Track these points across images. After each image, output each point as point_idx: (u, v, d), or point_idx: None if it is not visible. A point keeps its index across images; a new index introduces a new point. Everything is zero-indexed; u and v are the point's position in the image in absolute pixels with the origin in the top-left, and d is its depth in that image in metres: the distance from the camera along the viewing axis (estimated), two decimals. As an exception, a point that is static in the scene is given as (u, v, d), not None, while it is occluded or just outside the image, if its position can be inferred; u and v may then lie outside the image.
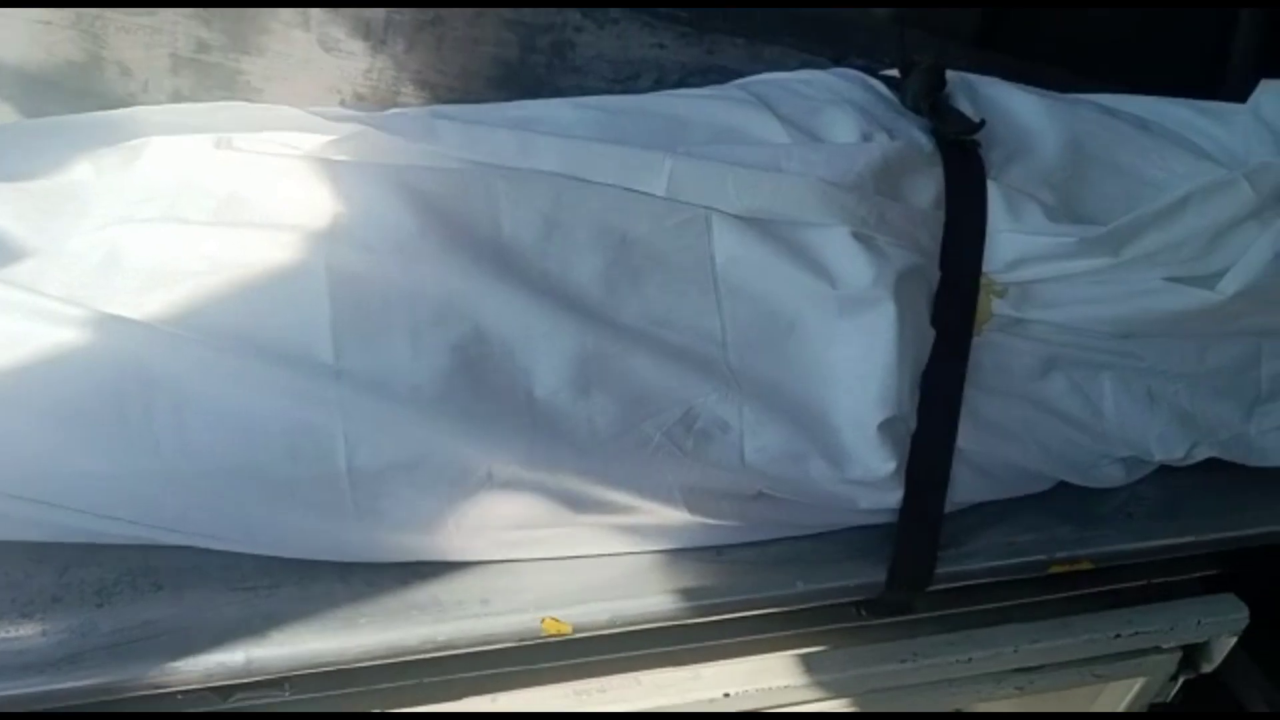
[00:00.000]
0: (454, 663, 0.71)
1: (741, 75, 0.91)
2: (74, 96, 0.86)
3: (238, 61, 0.89)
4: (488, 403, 0.65)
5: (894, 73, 0.85)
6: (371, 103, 0.97)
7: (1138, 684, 0.92)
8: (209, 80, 0.89)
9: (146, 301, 0.63)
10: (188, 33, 0.88)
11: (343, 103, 0.96)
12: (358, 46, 0.92)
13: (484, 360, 0.65)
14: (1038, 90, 0.84)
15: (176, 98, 0.89)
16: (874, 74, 0.85)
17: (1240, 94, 0.87)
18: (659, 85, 0.97)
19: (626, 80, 0.99)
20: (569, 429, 0.66)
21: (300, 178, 0.68)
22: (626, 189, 0.70)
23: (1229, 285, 0.71)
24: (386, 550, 0.68)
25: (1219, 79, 1.18)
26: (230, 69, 0.89)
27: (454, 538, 0.67)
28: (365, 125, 0.73)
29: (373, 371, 0.64)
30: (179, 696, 0.65)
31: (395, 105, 0.93)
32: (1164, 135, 0.81)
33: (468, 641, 0.67)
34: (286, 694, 0.69)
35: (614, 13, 0.95)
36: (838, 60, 0.97)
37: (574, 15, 0.94)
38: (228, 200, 0.67)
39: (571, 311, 0.67)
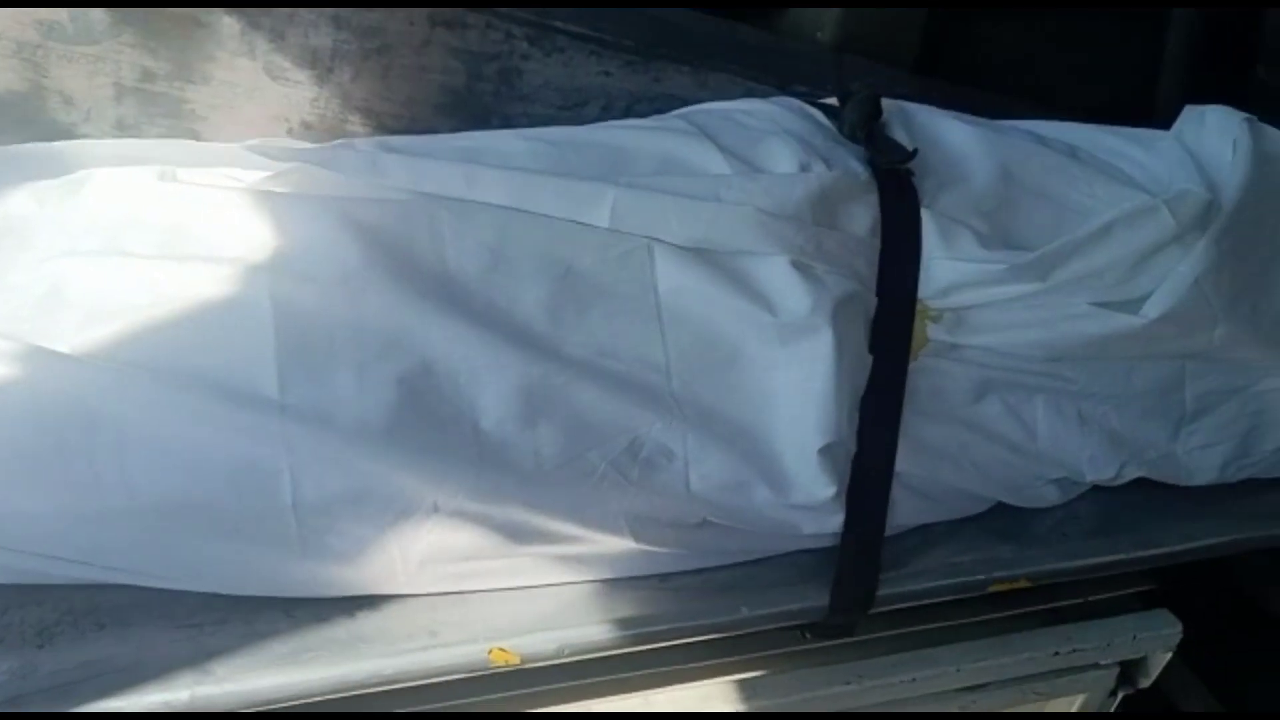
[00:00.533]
0: (403, 696, 0.71)
1: (687, 102, 0.93)
2: (15, 126, 0.85)
3: (182, 90, 0.89)
4: (434, 435, 0.65)
5: (834, 101, 0.87)
6: (318, 131, 0.97)
7: (1078, 700, 0.93)
8: (153, 109, 0.89)
9: (89, 336, 0.63)
10: (132, 61, 0.87)
11: (289, 131, 0.96)
12: (304, 75, 0.92)
13: (430, 393, 0.66)
14: (971, 118, 0.86)
15: (120, 127, 0.88)
16: (814, 102, 0.87)
17: (1169, 119, 0.91)
18: (606, 112, 0.98)
19: (574, 107, 1.00)
20: (515, 460, 0.67)
21: (244, 210, 0.68)
22: (571, 220, 0.71)
23: (1151, 310, 0.74)
24: (333, 585, 0.68)
25: (1149, 104, 1.22)
26: (175, 98, 0.89)
27: (401, 571, 0.67)
28: (308, 160, 0.73)
29: (318, 405, 0.64)
30: (122, 736, 0.64)
31: (342, 134, 0.93)
32: (1092, 163, 0.84)
33: (417, 674, 0.67)
34: (230, 731, 0.68)
35: (560, 40, 0.96)
36: (782, 87, 0.99)
37: (520, 44, 0.95)
38: (171, 233, 0.68)
39: (517, 343, 0.68)
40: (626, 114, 0.97)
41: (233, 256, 0.67)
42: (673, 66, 1.00)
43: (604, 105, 0.99)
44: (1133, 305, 0.75)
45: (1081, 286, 0.75)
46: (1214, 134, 0.84)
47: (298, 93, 0.92)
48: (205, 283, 0.65)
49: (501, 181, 0.71)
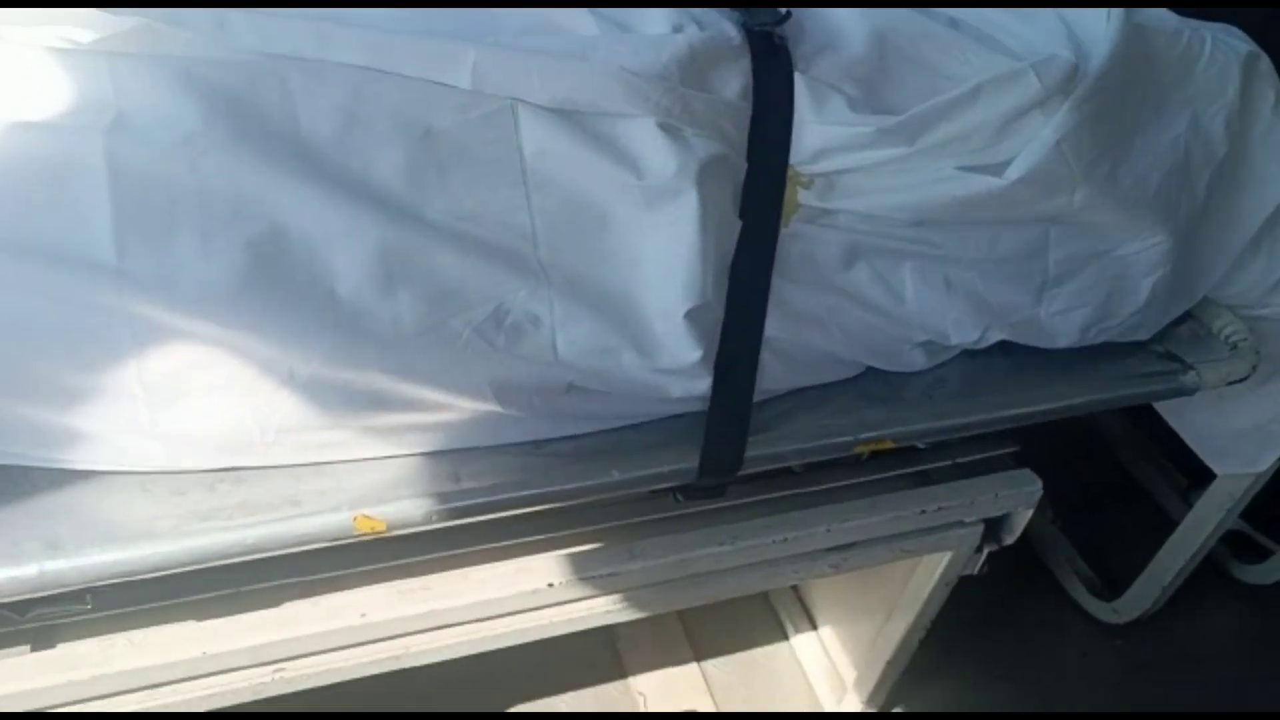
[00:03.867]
0: (270, 567, 0.71)
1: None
2: None
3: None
4: (286, 301, 0.63)
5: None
6: None
7: (945, 558, 0.98)
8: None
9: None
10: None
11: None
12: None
13: (281, 258, 0.63)
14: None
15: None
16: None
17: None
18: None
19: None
20: (373, 326, 0.65)
21: (78, 72, 0.63)
22: (430, 81, 0.68)
23: (1013, 171, 0.74)
24: (187, 457, 0.66)
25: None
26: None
27: (259, 441, 0.66)
28: (150, 19, 0.68)
29: (159, 272, 0.61)
30: (-30, 616, 0.63)
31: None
32: (970, 32, 0.84)
33: (278, 543, 0.66)
34: (89, 607, 0.67)
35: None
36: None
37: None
38: (-1, 95, 0.63)
39: (374, 206, 0.65)
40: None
41: (64, 120, 0.62)
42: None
43: None
44: (998, 169, 0.75)
45: (948, 150, 0.75)
46: (1092, 5, 0.84)
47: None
48: (34, 146, 0.62)
49: (356, 41, 0.68)
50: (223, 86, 0.64)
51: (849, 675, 1.26)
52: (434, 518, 0.69)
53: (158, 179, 0.62)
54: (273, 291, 0.63)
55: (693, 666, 1.34)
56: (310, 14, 0.72)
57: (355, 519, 0.67)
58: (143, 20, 0.67)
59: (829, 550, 0.90)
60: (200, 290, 0.61)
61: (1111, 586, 1.44)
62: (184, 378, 0.63)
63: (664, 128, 0.69)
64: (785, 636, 1.39)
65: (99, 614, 0.69)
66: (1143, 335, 0.91)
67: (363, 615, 0.75)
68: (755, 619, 1.40)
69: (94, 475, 0.66)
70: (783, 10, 0.76)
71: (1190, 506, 1.28)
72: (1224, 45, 0.85)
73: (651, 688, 1.31)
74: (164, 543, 0.64)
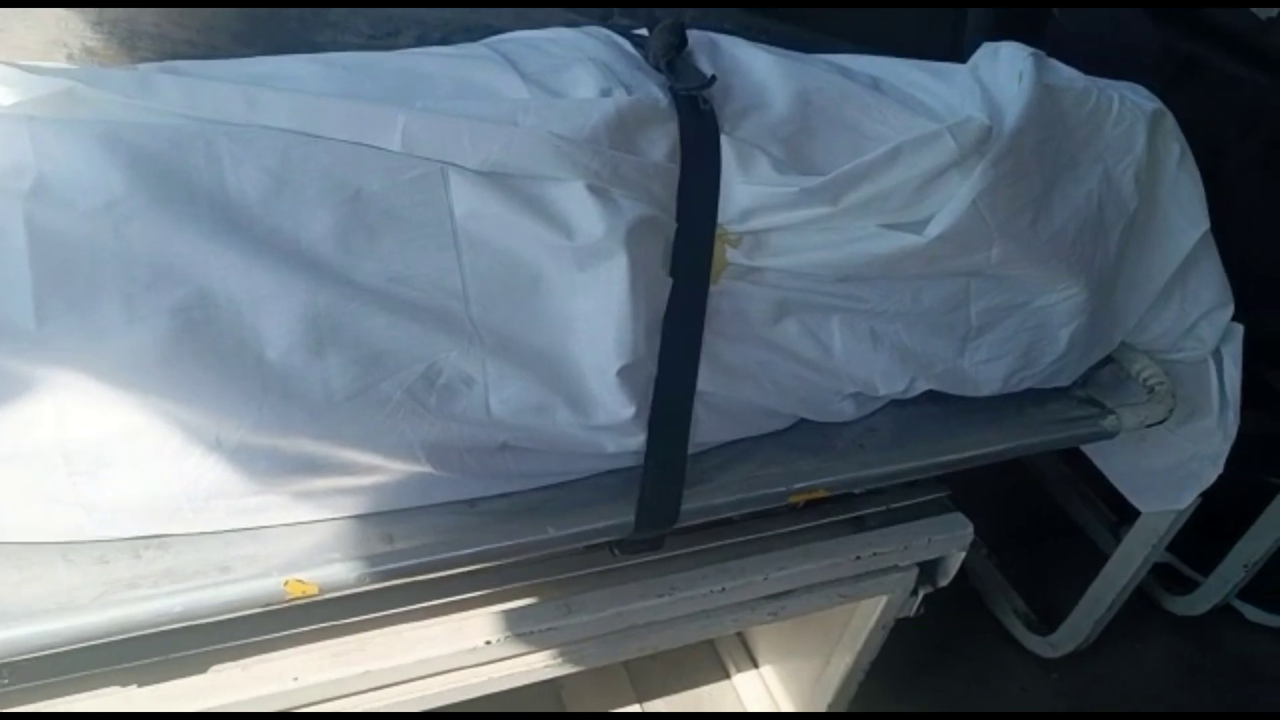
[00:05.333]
0: (198, 633, 0.70)
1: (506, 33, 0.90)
2: None
3: (-57, 11, 0.81)
4: (213, 367, 0.63)
5: (646, 32, 0.86)
6: (103, 58, 0.90)
7: (882, 601, 1.00)
8: (-91, 32, 0.81)
9: None
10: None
11: (70, 58, 0.90)
12: (84, -6, 0.85)
13: (208, 324, 0.63)
14: (778, 50, 0.87)
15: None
16: (626, 32, 0.86)
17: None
18: (420, 42, 0.95)
19: (386, 37, 0.96)
20: (303, 391, 0.65)
21: None
22: (360, 144, 0.68)
23: (932, 229, 0.77)
24: (112, 526, 0.65)
25: (959, 43, 1.27)
26: (-67, 20, 0.81)
27: (187, 508, 0.65)
28: (76, 81, 0.68)
29: (81, 339, 0.60)
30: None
31: (132, 61, 0.87)
32: (891, 93, 0.86)
33: (206, 611, 0.65)
34: (6, 681, 0.66)
35: (371, -34, 0.92)
36: (604, 19, 0.98)
37: (327, -31, 0.90)
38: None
39: (303, 270, 0.65)
40: (443, 44, 0.93)
41: None
42: (490, -6, 0.97)
43: (418, 35, 0.96)
44: (919, 226, 0.78)
45: (871, 209, 0.77)
46: (1004, 66, 0.87)
47: (76, 16, 0.85)
48: None
49: (286, 104, 0.68)
50: (147, 150, 0.64)
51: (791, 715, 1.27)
52: (367, 579, 0.68)
53: (80, 244, 0.61)
54: (199, 357, 0.63)
55: (635, 709, 1.34)
56: (239, 77, 0.72)
57: (286, 583, 0.66)
58: (66, 82, 0.67)
59: (767, 598, 0.91)
60: (124, 357, 0.61)
61: (1047, 621, 1.47)
62: (108, 447, 0.62)
63: (593, 190, 0.70)
64: (728, 676, 1.39)
65: (17, 687, 0.67)
66: (1064, 381, 0.94)
67: (295, 679, 0.74)
68: (698, 660, 1.40)
69: (12, 545, 0.65)
70: (708, 74, 0.78)
71: (1119, 541, 1.32)
72: (1130, 104, 0.89)
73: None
74: (86, 614, 0.62)
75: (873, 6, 1.24)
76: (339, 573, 0.67)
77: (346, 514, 0.70)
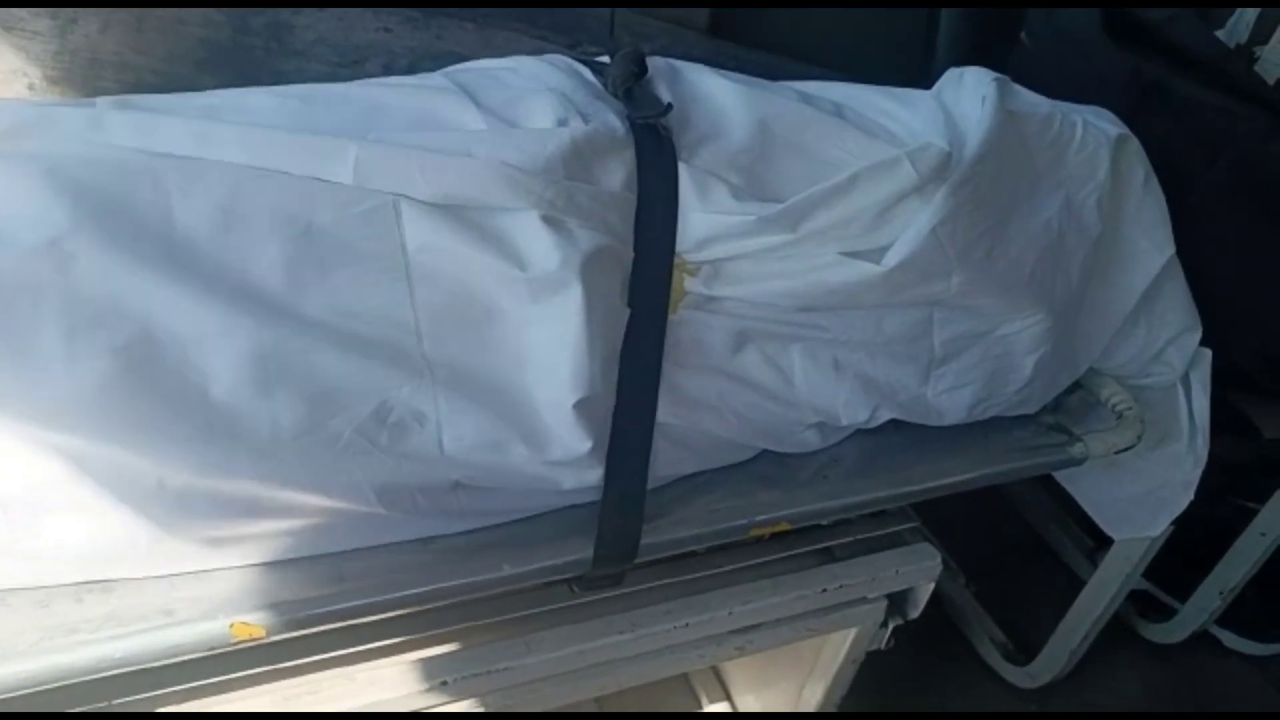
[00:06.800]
0: (143, 678, 0.68)
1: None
2: None
3: (-104, 41, 0.80)
4: (155, 407, 0.61)
5: (608, 59, 0.86)
6: (65, 89, 0.89)
7: (851, 634, 0.98)
8: None
9: None
10: None
11: (31, 88, 0.88)
12: (44, 25, 0.84)
13: (151, 362, 0.61)
14: (739, 76, 0.87)
15: None
16: (588, 60, 0.86)
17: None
18: (387, 70, 0.94)
19: (353, 64, 0.95)
20: (250, 430, 0.63)
21: None
22: (311, 178, 0.67)
23: (891, 258, 0.76)
24: (52, 573, 0.64)
25: (926, 68, 1.28)
26: (-113, 51, 0.80)
27: (130, 553, 0.64)
28: (21, 118, 0.67)
29: (19, 380, 0.59)
30: None
31: (94, 92, 0.86)
32: (854, 119, 0.86)
33: (150, 656, 0.63)
34: (-61, 732, 0.64)
35: (332, -9, 0.91)
36: (572, 47, 0.97)
37: (290, -8, 0.89)
38: None
39: (250, 306, 0.64)
40: (409, 72, 0.93)
41: None
42: (456, 24, 0.96)
43: (385, 64, 0.95)
44: (879, 254, 0.77)
45: (830, 237, 0.76)
46: (969, 91, 0.87)
47: (37, 45, 0.84)
48: None
49: (236, 138, 0.67)
50: (93, 185, 0.63)
51: (768, 751, 1.25)
52: (316, 620, 0.67)
53: (21, 282, 0.60)
54: (141, 397, 0.61)
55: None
56: (194, 110, 0.71)
57: (232, 626, 0.64)
58: (10, 118, 0.66)
59: (733, 633, 0.89)
60: (63, 399, 0.59)
61: (1025, 650, 1.46)
62: (46, 493, 0.60)
63: (547, 220, 0.69)
64: (700, 707, 1.37)
65: (-46, 738, 0.65)
66: (1030, 409, 0.94)
67: (244, 724, 0.72)
68: (670, 691, 1.38)
69: (-51, 590, 0.63)
70: (666, 102, 0.78)
71: (1096, 567, 1.31)
72: (1094, 129, 0.89)
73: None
74: (24, 661, 0.60)
75: (840, 31, 1.24)
76: (286, 614, 0.66)
77: (295, 556, 0.68)
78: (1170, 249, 0.93)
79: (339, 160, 0.67)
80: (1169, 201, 0.93)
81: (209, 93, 0.76)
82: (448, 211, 0.68)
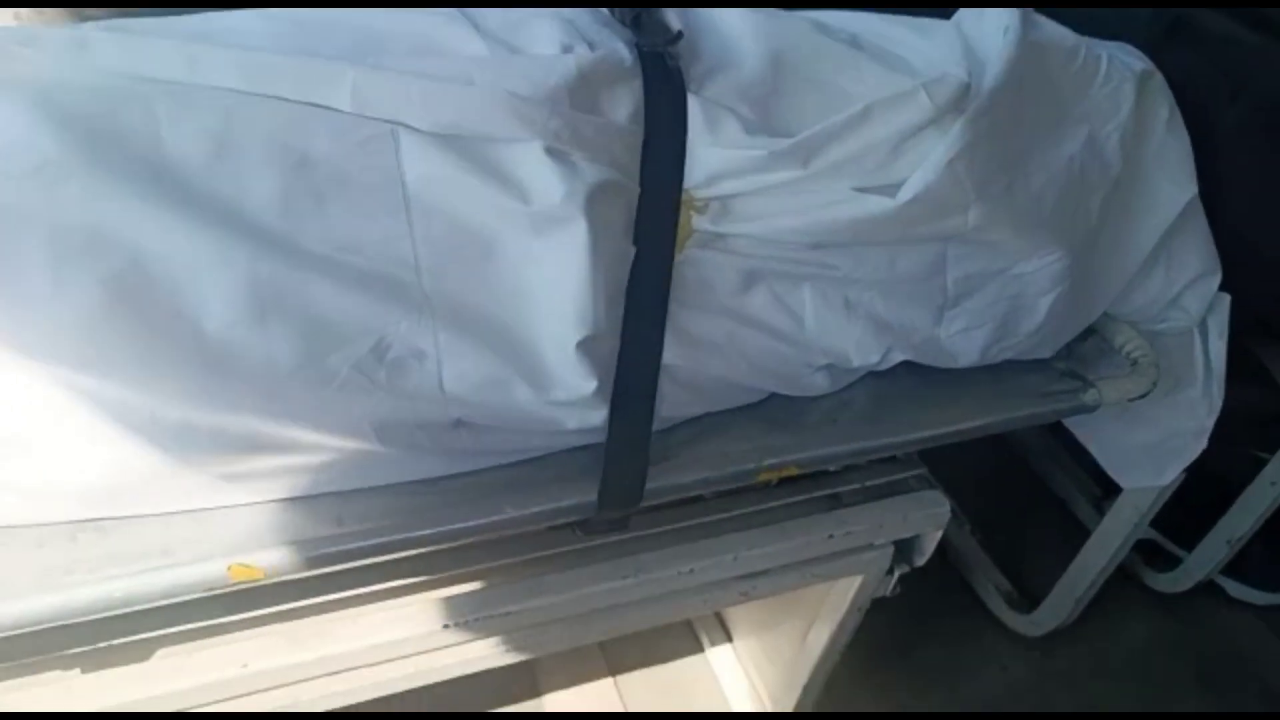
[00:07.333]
0: (142, 618, 0.67)
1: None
2: None
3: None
4: (147, 338, 0.59)
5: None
6: (51, 17, 0.87)
7: (857, 581, 0.97)
8: None
9: None
10: None
11: (16, 17, 0.86)
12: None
13: (142, 292, 0.59)
14: (753, 8, 0.84)
15: None
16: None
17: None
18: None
19: (350, -10, 0.92)
20: (244, 364, 0.61)
21: None
22: (307, 104, 0.65)
23: (906, 192, 0.73)
24: (47, 510, 0.62)
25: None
26: None
27: (123, 488, 0.62)
28: (5, 42, 0.64)
29: (5, 310, 0.57)
30: None
31: (80, 19, 0.83)
32: (870, 49, 0.83)
33: (148, 596, 0.62)
34: (-67, 671, 0.63)
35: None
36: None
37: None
38: None
39: (245, 237, 0.62)
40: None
41: None
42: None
43: None
44: (893, 189, 0.74)
45: (843, 172, 0.74)
46: (991, 22, 0.83)
47: (23, -24, 0.82)
48: None
49: (229, 63, 0.64)
50: (81, 112, 0.60)
51: (767, 692, 1.25)
52: (315, 563, 0.65)
53: (6, 210, 0.58)
54: (131, 329, 0.59)
55: (607, 681, 1.32)
56: (184, 33, 0.69)
57: (230, 568, 0.63)
58: (-3, 43, 0.64)
59: (738, 578, 0.88)
60: (52, 329, 0.58)
61: (1030, 598, 1.45)
62: (37, 427, 0.59)
63: (551, 152, 0.67)
64: (701, 650, 1.38)
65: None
66: (1044, 353, 0.92)
67: (244, 665, 0.71)
68: (672, 634, 1.38)
69: (-59, 529, 0.62)
70: (675, 30, 0.75)
71: (1103, 516, 1.30)
72: (1120, 64, 0.86)
73: (564, 704, 1.29)
74: (21, 600, 0.60)
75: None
76: (285, 556, 0.64)
77: (293, 494, 0.67)
78: (1193, 189, 0.90)
79: (336, 86, 0.64)
80: (1192, 140, 0.90)
81: (199, 15, 0.73)
82: (448, 142, 0.66)
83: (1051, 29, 0.84)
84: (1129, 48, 0.89)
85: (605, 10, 0.78)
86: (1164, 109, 0.88)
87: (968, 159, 0.74)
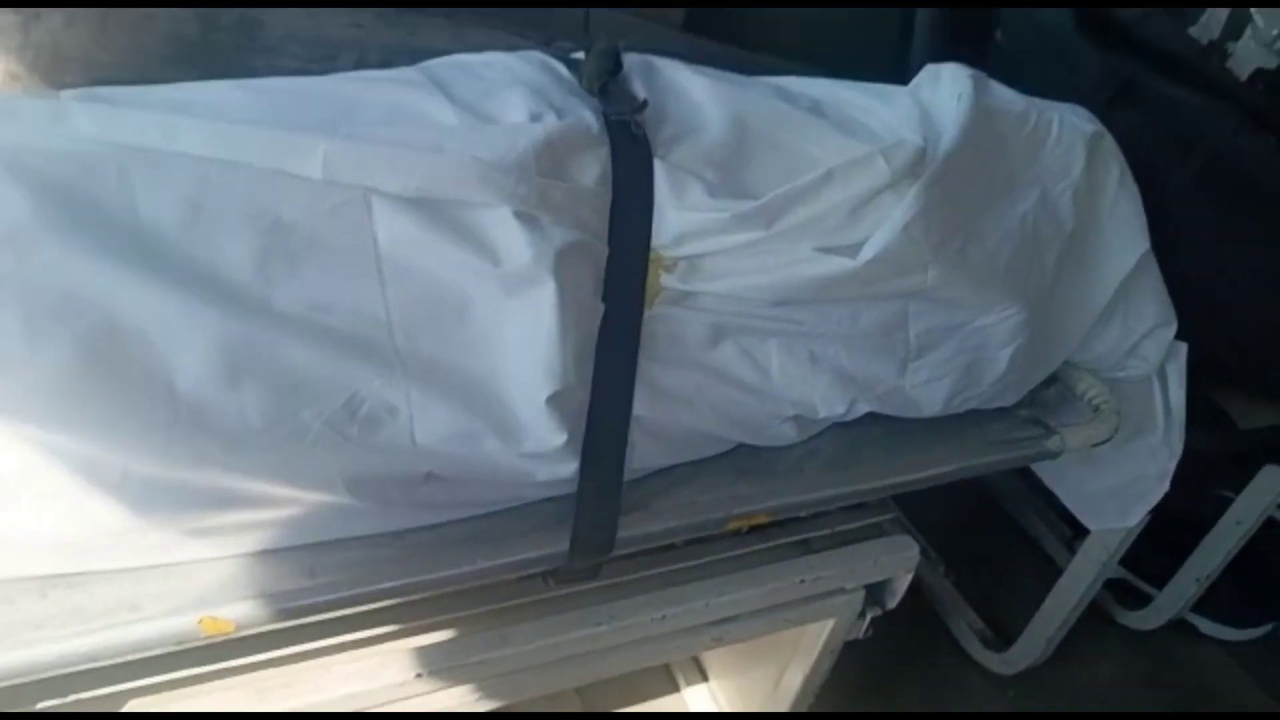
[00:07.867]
0: (111, 673, 0.68)
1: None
2: None
3: None
4: (119, 397, 0.61)
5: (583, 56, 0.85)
6: (28, 84, 0.88)
7: (829, 624, 0.99)
8: None
9: None
10: None
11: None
12: (6, 21, 0.83)
13: (116, 353, 0.61)
14: (716, 72, 0.86)
15: None
16: (564, 57, 0.85)
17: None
18: (361, 66, 0.93)
19: (324, 60, 0.93)
20: (217, 422, 0.63)
21: None
22: (281, 172, 0.67)
23: (866, 253, 0.76)
24: (17, 565, 0.63)
25: (903, 65, 1.28)
26: None
27: (94, 544, 0.63)
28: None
29: (-20, 371, 0.58)
30: None
31: (59, 87, 0.85)
32: (830, 115, 0.86)
33: (117, 651, 0.63)
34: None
35: (307, -12, 0.90)
36: (547, 43, 0.96)
37: (261, -11, 0.88)
38: None
39: (218, 299, 0.63)
40: (382, 68, 0.92)
41: None
42: (428, 20, 0.95)
43: (358, 59, 0.93)
44: (853, 249, 0.77)
45: (805, 233, 0.76)
46: (945, 88, 0.87)
47: (0, 39, 0.83)
48: None
49: (204, 131, 0.66)
50: (55, 177, 0.62)
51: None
52: (287, 615, 0.66)
53: None
54: (105, 387, 0.60)
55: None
56: (161, 104, 0.70)
57: (200, 621, 0.64)
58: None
59: (710, 624, 0.89)
60: (26, 389, 0.59)
61: (1004, 637, 1.47)
62: (7, 486, 0.60)
63: (520, 216, 0.69)
64: (678, 690, 1.38)
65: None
66: (1007, 402, 0.94)
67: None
68: (649, 675, 1.39)
69: (-86, 585, 0.62)
70: (641, 99, 0.77)
71: (1074, 556, 1.32)
72: (1071, 126, 0.89)
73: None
74: (-14, 657, 0.60)
75: (816, 28, 1.24)
76: (257, 609, 0.65)
77: (265, 548, 0.68)
78: (1145, 244, 0.93)
79: (308, 156, 0.66)
80: (1143, 197, 0.93)
81: (175, 85, 0.75)
82: (420, 206, 0.68)
83: (1003, 93, 0.88)
84: (1080, 109, 0.92)
85: (573, 79, 0.81)
86: (1115, 168, 0.91)
87: (924, 221, 0.77)
